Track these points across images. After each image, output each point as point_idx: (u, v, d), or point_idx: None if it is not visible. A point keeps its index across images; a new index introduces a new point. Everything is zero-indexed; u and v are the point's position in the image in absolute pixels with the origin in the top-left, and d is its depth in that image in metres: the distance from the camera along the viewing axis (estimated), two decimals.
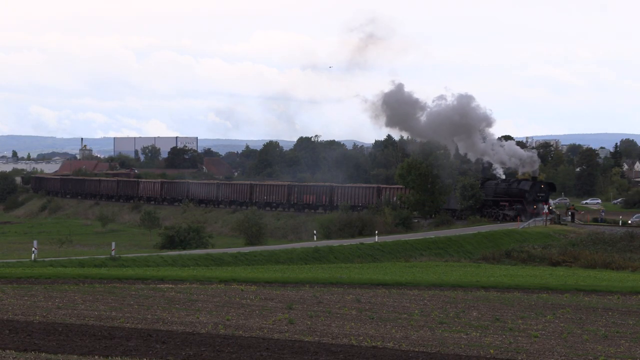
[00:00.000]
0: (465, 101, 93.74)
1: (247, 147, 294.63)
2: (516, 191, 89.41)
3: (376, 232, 75.32)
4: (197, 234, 78.65)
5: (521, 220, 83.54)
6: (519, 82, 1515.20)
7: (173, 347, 21.44)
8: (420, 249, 69.49)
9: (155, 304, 29.46)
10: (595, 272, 57.69)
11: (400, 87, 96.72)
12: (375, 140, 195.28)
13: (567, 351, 23.37)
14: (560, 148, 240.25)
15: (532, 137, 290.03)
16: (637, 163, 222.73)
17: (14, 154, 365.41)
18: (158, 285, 36.01)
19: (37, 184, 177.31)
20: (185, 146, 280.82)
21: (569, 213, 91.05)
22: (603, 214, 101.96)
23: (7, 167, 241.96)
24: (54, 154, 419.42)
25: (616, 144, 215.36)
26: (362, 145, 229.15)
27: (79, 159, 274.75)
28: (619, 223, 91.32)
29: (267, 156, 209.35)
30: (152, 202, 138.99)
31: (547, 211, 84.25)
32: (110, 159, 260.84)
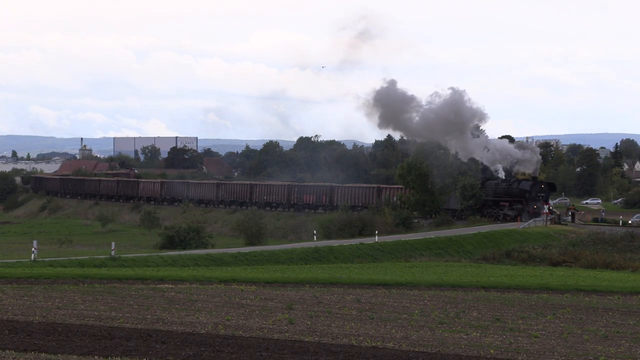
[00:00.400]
0: (457, 97, 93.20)
1: (247, 147, 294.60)
2: (516, 191, 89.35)
3: (376, 232, 75.29)
4: (197, 234, 78.62)
5: (521, 220, 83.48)
6: (519, 82, 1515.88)
7: (173, 348, 21.41)
8: (420, 249, 69.46)
9: (155, 304, 29.43)
10: (596, 272, 57.66)
11: (392, 83, 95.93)
12: (376, 140, 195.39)
13: (567, 351, 23.34)
14: (560, 148, 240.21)
15: (532, 137, 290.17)
16: (638, 163, 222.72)
17: (14, 153, 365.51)
18: (158, 286, 35.98)
19: (36, 184, 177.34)
20: (185, 146, 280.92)
21: (569, 213, 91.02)
22: (603, 214, 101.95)
23: (7, 167, 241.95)
24: (53, 154, 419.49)
25: (616, 143, 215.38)
26: (362, 145, 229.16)
27: (79, 159, 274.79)
28: (619, 223, 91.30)
29: (267, 156, 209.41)
30: (152, 202, 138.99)
31: (547, 211, 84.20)
32: (110, 159, 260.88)
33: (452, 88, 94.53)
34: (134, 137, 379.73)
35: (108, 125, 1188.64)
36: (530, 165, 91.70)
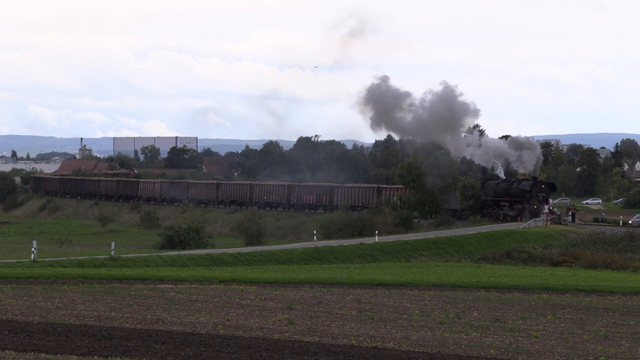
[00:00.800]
0: (449, 91, 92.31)
1: (247, 147, 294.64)
2: (517, 191, 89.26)
3: (376, 232, 75.23)
4: (197, 234, 78.54)
5: (522, 221, 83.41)
6: (519, 82, 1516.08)
7: (173, 348, 21.38)
8: (420, 249, 69.40)
9: (155, 305, 29.39)
10: (596, 273, 57.63)
11: (384, 79, 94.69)
12: (376, 140, 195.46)
13: (567, 351, 23.30)
14: (560, 148, 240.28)
15: (532, 137, 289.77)
16: (638, 163, 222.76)
17: (13, 153, 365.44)
18: (158, 286, 35.94)
19: (36, 184, 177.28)
20: (184, 146, 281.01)
21: (570, 213, 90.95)
22: (604, 214, 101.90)
23: (7, 167, 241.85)
24: (53, 154, 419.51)
25: (617, 143, 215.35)
26: (362, 145, 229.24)
27: (79, 159, 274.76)
28: (619, 223, 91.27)
29: (267, 156, 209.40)
30: (152, 202, 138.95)
31: (547, 211, 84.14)
32: (110, 159, 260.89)
33: (444, 82, 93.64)
34: (134, 137, 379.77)
35: (108, 125, 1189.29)
36: (529, 165, 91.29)
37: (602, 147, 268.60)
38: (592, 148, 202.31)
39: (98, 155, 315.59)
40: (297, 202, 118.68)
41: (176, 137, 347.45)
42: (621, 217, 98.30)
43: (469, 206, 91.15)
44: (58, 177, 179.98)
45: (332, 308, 30.67)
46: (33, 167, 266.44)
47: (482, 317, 29.93)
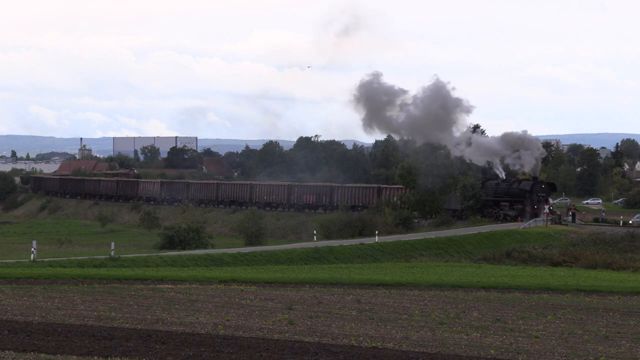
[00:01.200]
0: (441, 85, 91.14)
1: (247, 147, 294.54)
2: (517, 191, 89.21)
3: (376, 232, 75.18)
4: (197, 234, 78.50)
5: (522, 221, 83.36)
6: (519, 82, 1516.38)
7: (172, 348, 21.35)
8: (420, 249, 69.36)
9: (155, 305, 29.37)
10: (596, 273, 57.59)
11: (377, 76, 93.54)
12: (376, 140, 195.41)
13: (567, 352, 23.28)
14: (561, 148, 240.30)
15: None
16: (638, 163, 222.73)
17: (13, 153, 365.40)
18: (157, 286, 35.91)
19: (36, 184, 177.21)
20: (184, 146, 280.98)
21: (570, 213, 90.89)
22: (604, 214, 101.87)
23: (6, 167, 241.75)
24: (53, 154, 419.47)
25: (617, 143, 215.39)
26: (362, 145, 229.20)
27: (78, 159, 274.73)
28: (619, 223, 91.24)
29: (267, 156, 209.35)
30: (152, 202, 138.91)
31: (547, 211, 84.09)
32: (110, 159, 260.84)
33: (435, 76, 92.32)
34: (134, 137, 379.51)
35: (107, 125, 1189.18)
36: (527, 163, 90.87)
37: (603, 147, 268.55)
38: (592, 148, 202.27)
39: (98, 155, 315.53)
40: (297, 202, 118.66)
41: (176, 137, 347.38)
42: (621, 217, 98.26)
43: (469, 206, 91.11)
44: (58, 177, 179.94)
45: (332, 308, 30.65)
46: (33, 167, 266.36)
47: (482, 317, 29.90)
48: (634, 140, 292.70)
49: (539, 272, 55.47)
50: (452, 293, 37.79)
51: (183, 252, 61.37)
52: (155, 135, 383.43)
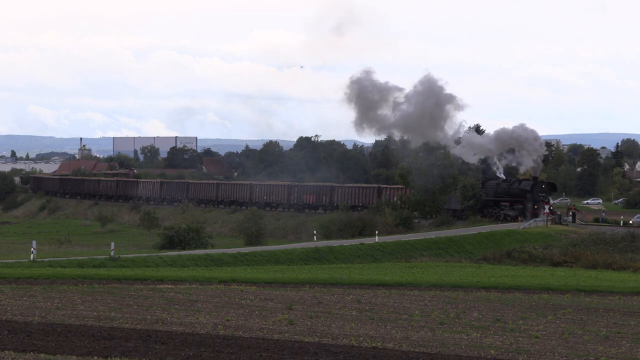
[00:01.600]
0: (433, 82, 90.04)
1: (247, 147, 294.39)
2: (517, 191, 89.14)
3: (376, 232, 75.14)
4: (197, 234, 78.47)
5: (522, 221, 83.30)
6: (519, 82, 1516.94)
7: (172, 348, 21.33)
8: (420, 249, 69.32)
9: (155, 305, 29.35)
10: (597, 273, 57.55)
11: (368, 72, 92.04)
12: (376, 140, 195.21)
13: (568, 352, 23.25)
14: (561, 148, 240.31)
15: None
16: (638, 163, 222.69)
17: (13, 153, 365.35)
18: (157, 286, 35.89)
19: (35, 184, 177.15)
20: (184, 146, 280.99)
21: (570, 213, 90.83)
22: (604, 214, 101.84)
23: (6, 167, 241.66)
24: (52, 154, 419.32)
25: (617, 143, 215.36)
26: (362, 145, 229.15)
27: (78, 159, 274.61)
28: (620, 223, 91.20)
29: (267, 156, 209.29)
30: (152, 202, 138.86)
31: (548, 211, 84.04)
32: (110, 159, 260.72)
33: (428, 73, 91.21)
34: (134, 137, 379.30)
35: (107, 125, 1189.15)
36: (525, 164, 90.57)
37: (603, 147, 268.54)
38: (592, 148, 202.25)
39: (97, 155, 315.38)
40: (297, 202, 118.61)
41: (176, 137, 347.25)
42: (622, 217, 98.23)
43: (469, 206, 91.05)
44: (57, 177, 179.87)
45: (332, 308, 30.62)
46: (32, 167, 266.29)
47: (482, 318, 29.88)
48: (634, 140, 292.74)
49: (539, 272, 55.44)
50: (453, 293, 37.76)
51: (183, 252, 61.34)
52: (155, 135, 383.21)
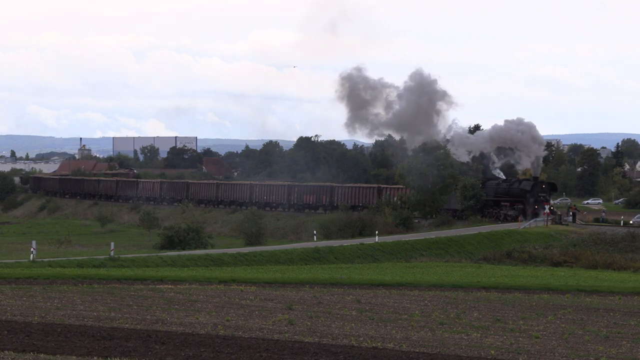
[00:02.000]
0: (424, 76, 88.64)
1: (247, 147, 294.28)
2: (517, 191, 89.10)
3: (376, 232, 75.11)
4: (197, 234, 78.44)
5: (522, 221, 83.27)
6: (519, 82, 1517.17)
7: (172, 348, 21.31)
8: (420, 250, 69.30)
9: (155, 305, 29.32)
10: (597, 273, 57.52)
11: (359, 70, 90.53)
12: (376, 140, 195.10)
13: (568, 352, 23.23)
14: (561, 148, 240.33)
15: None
16: (639, 163, 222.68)
17: (12, 153, 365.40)
18: (157, 286, 35.86)
19: (35, 184, 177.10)
20: (184, 146, 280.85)
21: (570, 213, 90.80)
22: (604, 214, 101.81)
23: (6, 167, 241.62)
24: (52, 154, 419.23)
25: (618, 143, 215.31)
26: (362, 145, 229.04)
27: (78, 159, 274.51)
28: (620, 223, 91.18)
29: (267, 156, 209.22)
30: (151, 202, 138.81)
31: (548, 211, 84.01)
32: (109, 159, 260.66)
33: (419, 69, 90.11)
34: (133, 137, 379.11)
35: (107, 125, 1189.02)
36: (524, 163, 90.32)
37: (603, 147, 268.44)
38: (592, 148, 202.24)
39: (97, 155, 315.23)
40: (297, 202, 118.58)
41: (176, 137, 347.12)
42: (622, 217, 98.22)
43: (470, 206, 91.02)
44: (57, 177, 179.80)
45: (332, 308, 30.60)
46: (32, 167, 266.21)
47: (482, 318, 29.85)
48: (634, 140, 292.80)
49: (540, 272, 55.41)
50: (453, 293, 37.74)
51: (183, 252, 61.32)
52: (155, 135, 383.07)
